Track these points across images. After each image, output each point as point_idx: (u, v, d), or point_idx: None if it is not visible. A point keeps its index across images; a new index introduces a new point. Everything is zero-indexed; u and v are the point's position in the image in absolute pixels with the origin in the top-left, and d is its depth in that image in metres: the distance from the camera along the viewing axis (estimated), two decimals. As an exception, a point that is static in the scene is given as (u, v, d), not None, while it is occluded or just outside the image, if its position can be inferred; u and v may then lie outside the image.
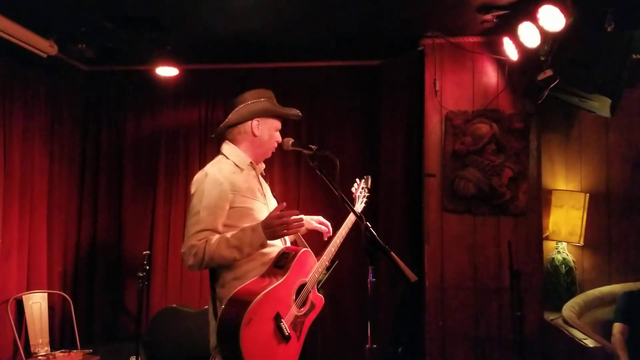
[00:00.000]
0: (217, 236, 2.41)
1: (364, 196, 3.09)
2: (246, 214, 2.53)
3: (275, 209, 2.33)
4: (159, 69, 4.96)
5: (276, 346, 2.39)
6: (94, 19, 4.04)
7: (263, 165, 2.78)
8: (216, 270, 2.54)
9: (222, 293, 2.47)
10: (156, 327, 4.82)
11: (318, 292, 2.69)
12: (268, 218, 2.33)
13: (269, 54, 4.94)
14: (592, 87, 3.50)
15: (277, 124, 2.74)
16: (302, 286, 2.57)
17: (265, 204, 2.65)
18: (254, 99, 2.66)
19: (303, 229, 2.70)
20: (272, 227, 2.33)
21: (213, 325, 2.49)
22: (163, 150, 5.27)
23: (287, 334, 2.42)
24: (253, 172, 2.68)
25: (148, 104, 5.33)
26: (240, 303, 2.30)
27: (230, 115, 2.64)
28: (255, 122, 2.65)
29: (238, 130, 2.66)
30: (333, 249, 2.72)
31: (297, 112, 2.79)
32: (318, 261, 2.67)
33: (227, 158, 2.61)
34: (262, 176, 2.78)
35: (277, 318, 2.40)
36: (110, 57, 4.86)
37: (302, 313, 2.55)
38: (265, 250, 2.53)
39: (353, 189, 3.10)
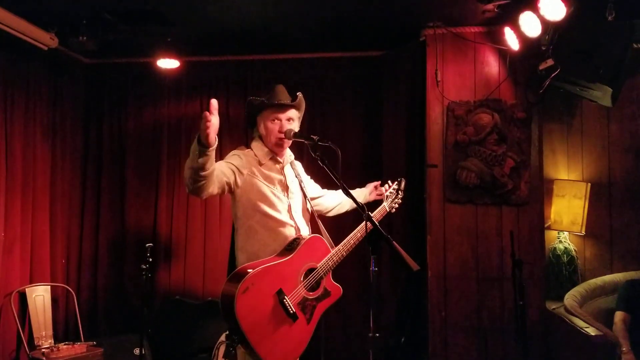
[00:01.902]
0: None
1: (396, 197, 3.16)
2: (264, 199, 2.69)
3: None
4: (160, 61, 4.95)
5: (280, 322, 2.46)
6: (95, 11, 4.04)
7: (291, 158, 2.93)
8: (235, 253, 2.73)
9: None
10: (160, 319, 4.84)
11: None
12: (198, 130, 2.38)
13: (271, 45, 4.93)
14: (594, 77, 3.50)
15: (271, 114, 2.82)
16: (311, 270, 2.63)
17: (285, 195, 2.77)
18: (246, 104, 2.86)
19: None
20: (200, 131, 2.34)
21: None
22: (165, 143, 5.27)
23: (292, 311, 2.48)
24: (278, 166, 2.83)
25: (150, 96, 5.33)
26: (239, 274, 2.44)
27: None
28: (258, 119, 2.85)
29: (255, 131, 2.92)
30: (352, 241, 2.76)
31: (281, 100, 2.82)
32: (333, 250, 2.71)
33: (251, 149, 2.85)
34: (294, 169, 2.96)
35: (280, 294, 2.48)
36: (111, 50, 4.85)
37: (312, 297, 2.61)
38: (279, 230, 2.68)
39: (383, 189, 3.18)
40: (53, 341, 4.41)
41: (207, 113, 2.29)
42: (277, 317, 2.46)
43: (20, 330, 4.28)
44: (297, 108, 2.91)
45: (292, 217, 2.75)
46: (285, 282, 2.52)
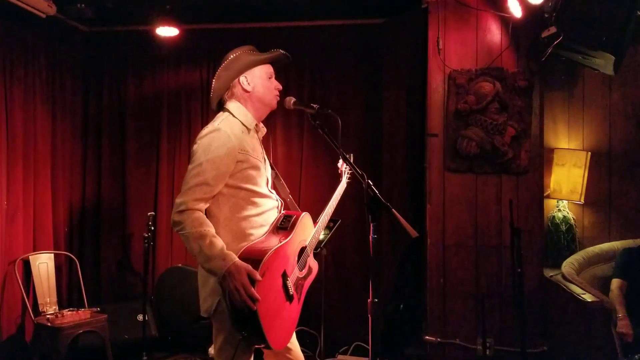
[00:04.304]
0: (205, 220, 2.33)
1: (348, 171, 3.07)
2: (251, 177, 2.47)
3: (249, 281, 2.19)
4: (159, 29, 4.91)
5: (282, 304, 2.39)
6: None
7: (264, 130, 2.70)
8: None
9: None
10: (163, 287, 4.91)
11: (320, 252, 2.72)
12: (239, 275, 2.19)
13: (270, 13, 4.88)
14: (596, 44, 3.47)
15: (267, 70, 2.63)
16: (302, 249, 2.59)
17: (264, 167, 2.60)
18: (230, 58, 2.58)
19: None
20: (232, 283, 2.19)
21: (208, 288, 2.43)
22: (165, 111, 5.27)
23: (291, 293, 2.43)
24: (256, 135, 2.63)
25: (149, 64, 5.31)
26: (252, 259, 2.27)
27: (213, 84, 2.57)
28: (242, 78, 2.56)
29: (230, 93, 2.58)
30: (326, 218, 2.74)
31: (280, 52, 2.66)
32: (316, 226, 2.70)
33: (234, 116, 2.51)
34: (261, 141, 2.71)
35: (284, 276, 2.41)
36: (110, 17, 4.81)
37: (302, 275, 2.57)
38: (263, 205, 2.52)
39: (339, 164, 3.09)
40: (57, 307, 4.47)
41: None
42: (280, 300, 2.38)
43: (25, 297, 4.34)
44: None
45: (270, 190, 2.63)
46: (287, 263, 2.45)
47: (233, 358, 2.32)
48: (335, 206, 2.83)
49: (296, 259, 2.53)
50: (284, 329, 2.40)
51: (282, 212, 2.66)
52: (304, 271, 2.59)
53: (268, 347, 2.29)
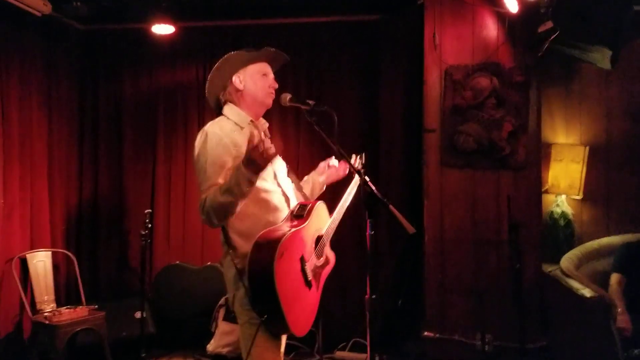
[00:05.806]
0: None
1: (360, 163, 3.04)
2: None
3: (249, 142, 2.24)
4: (155, 27, 4.89)
5: (302, 289, 2.39)
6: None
7: (266, 124, 2.71)
8: (224, 227, 2.49)
9: (232, 247, 2.45)
10: (160, 284, 4.91)
11: None
12: (246, 152, 2.24)
13: (267, 9, 4.87)
14: (593, 39, 3.48)
15: (260, 67, 2.63)
16: (319, 237, 2.59)
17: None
18: (221, 59, 2.58)
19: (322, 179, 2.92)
20: (253, 160, 2.22)
21: (229, 280, 2.46)
22: (161, 109, 5.25)
23: (309, 279, 2.44)
24: (255, 132, 2.58)
25: (145, 63, 5.29)
26: (270, 241, 2.28)
27: (207, 86, 2.61)
28: (235, 77, 2.58)
29: (225, 95, 2.62)
30: (342, 211, 2.74)
31: (271, 49, 2.66)
32: (332, 217, 2.70)
33: (227, 118, 2.57)
34: (266, 135, 2.69)
35: (302, 261, 2.41)
36: (105, 16, 4.79)
37: (319, 264, 2.58)
38: (267, 200, 2.50)
39: (358, 163, 3.06)
40: (55, 305, 4.46)
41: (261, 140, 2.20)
42: (300, 284, 2.38)
43: (23, 295, 4.33)
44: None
45: (278, 184, 2.61)
46: (305, 248, 2.45)
47: (253, 341, 2.32)
48: (350, 201, 2.81)
49: (313, 246, 2.54)
50: (304, 315, 2.40)
51: (298, 202, 2.66)
52: (322, 260, 2.60)
53: (289, 332, 2.31)
